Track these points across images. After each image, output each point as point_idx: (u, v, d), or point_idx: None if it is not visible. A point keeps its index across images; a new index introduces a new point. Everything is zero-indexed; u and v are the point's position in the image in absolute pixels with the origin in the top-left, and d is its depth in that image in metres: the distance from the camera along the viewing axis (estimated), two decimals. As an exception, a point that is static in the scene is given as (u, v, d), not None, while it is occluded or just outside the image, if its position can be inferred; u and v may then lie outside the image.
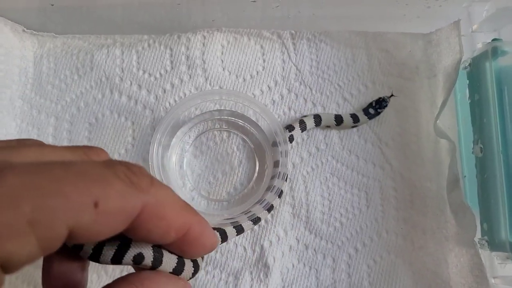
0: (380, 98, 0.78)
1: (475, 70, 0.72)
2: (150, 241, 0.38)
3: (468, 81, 0.74)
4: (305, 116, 0.77)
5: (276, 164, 0.72)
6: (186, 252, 0.40)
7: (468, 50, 0.75)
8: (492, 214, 0.67)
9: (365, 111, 0.78)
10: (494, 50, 0.68)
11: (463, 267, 0.72)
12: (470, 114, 0.73)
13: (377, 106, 0.77)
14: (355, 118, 0.77)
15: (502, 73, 0.69)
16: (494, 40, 0.69)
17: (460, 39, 0.74)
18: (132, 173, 0.33)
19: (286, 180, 0.73)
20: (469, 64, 0.73)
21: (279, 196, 0.71)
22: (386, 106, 0.77)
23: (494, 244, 0.66)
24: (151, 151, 0.70)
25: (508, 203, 0.64)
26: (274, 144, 0.72)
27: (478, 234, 0.70)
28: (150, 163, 0.69)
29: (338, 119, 0.76)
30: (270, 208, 0.70)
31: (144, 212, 0.33)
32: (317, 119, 0.76)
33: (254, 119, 0.75)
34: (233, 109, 0.76)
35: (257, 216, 0.68)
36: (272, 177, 0.73)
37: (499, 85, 0.68)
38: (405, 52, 0.82)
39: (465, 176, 0.75)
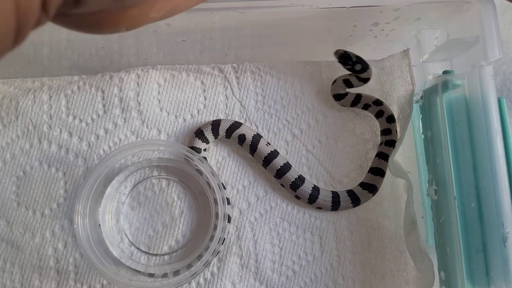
0: (341, 59, 0.67)
1: (427, 104, 0.66)
2: None
3: (421, 115, 0.69)
4: None
5: (216, 215, 0.67)
6: None
7: (420, 80, 0.69)
8: (449, 264, 0.62)
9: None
10: (444, 84, 0.62)
11: (423, 317, 0.67)
12: (424, 151, 0.68)
13: (351, 63, 0.66)
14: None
15: (454, 106, 0.63)
16: (445, 72, 0.64)
17: (411, 69, 0.69)
18: None
19: (229, 222, 0.69)
20: (421, 97, 0.67)
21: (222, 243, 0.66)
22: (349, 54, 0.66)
23: (452, 296, 0.61)
24: (77, 205, 0.64)
25: (465, 253, 0.59)
26: (215, 201, 0.66)
27: (437, 283, 0.65)
28: (75, 221, 0.63)
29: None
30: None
31: None
32: None
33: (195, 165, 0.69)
34: (172, 158, 0.70)
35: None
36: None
37: (451, 120, 0.63)
38: (358, 80, 0.76)
39: (422, 217, 0.70)
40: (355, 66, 0.67)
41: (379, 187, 0.70)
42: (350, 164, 0.74)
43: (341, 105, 0.74)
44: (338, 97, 0.72)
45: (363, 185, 0.71)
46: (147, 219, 0.71)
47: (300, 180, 0.69)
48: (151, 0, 0.31)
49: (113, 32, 0.31)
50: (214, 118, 0.74)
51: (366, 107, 0.72)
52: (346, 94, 0.72)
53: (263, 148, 0.70)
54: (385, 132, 0.72)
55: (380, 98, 0.73)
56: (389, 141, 0.71)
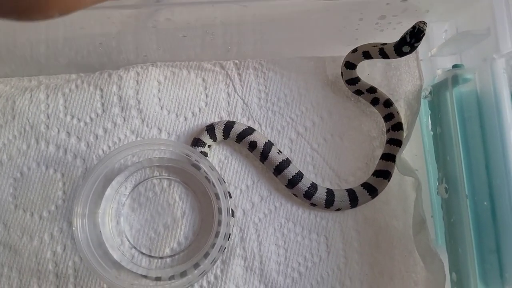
0: (414, 28, 0.57)
1: (436, 100, 0.64)
2: None
3: (430, 111, 0.66)
4: None
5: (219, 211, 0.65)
6: None
7: (428, 75, 0.67)
8: (461, 264, 0.60)
9: (397, 49, 0.59)
10: (454, 79, 0.60)
11: (434, 319, 0.65)
12: (434, 148, 0.66)
13: (413, 40, 0.57)
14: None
15: (464, 101, 0.61)
16: (454, 66, 0.61)
17: (419, 64, 0.67)
18: None
19: (233, 216, 0.68)
20: (430, 93, 0.65)
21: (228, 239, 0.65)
22: (423, 35, 0.57)
23: (464, 299, 0.59)
24: (76, 207, 0.62)
25: (478, 254, 0.57)
26: (217, 197, 0.65)
27: (448, 285, 0.63)
28: (74, 224, 0.61)
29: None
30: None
31: None
32: None
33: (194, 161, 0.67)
34: (173, 157, 0.68)
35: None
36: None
37: (462, 115, 0.61)
38: (363, 75, 0.74)
39: (432, 216, 0.68)
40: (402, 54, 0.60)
41: (392, 172, 0.68)
42: (356, 163, 0.72)
43: (341, 73, 0.70)
44: (348, 65, 0.68)
45: (376, 173, 0.69)
46: (148, 220, 0.68)
47: (313, 187, 0.67)
48: None
49: (45, 18, 0.28)
50: (218, 117, 0.72)
51: (358, 93, 0.70)
52: (354, 68, 0.67)
53: (275, 157, 0.68)
54: (388, 117, 0.69)
55: (387, 94, 0.71)
56: (395, 125, 0.69)
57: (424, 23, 0.56)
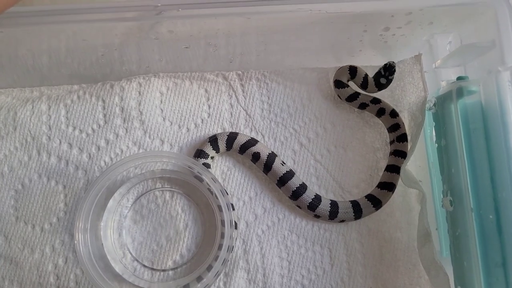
0: (386, 64, 0.66)
1: (440, 112, 0.64)
2: None
3: (434, 123, 0.66)
4: None
5: (222, 223, 0.64)
6: None
7: (433, 87, 0.67)
8: (466, 278, 0.59)
9: (377, 83, 0.67)
10: (459, 91, 0.60)
11: (439, 333, 0.64)
12: (438, 160, 0.65)
13: (387, 73, 0.66)
14: None
15: (469, 113, 0.61)
16: (459, 78, 0.61)
17: (423, 75, 0.66)
18: None
19: (236, 228, 0.67)
20: (434, 104, 0.65)
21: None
22: (394, 70, 0.66)
23: (470, 313, 0.58)
24: (77, 221, 0.61)
25: (483, 268, 0.56)
26: (220, 209, 0.64)
27: (453, 298, 0.62)
28: (76, 237, 0.61)
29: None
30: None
31: None
32: None
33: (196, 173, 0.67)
34: (175, 169, 0.68)
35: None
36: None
37: (467, 127, 0.60)
38: (367, 86, 0.74)
39: (436, 229, 0.67)
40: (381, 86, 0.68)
41: (396, 184, 0.68)
42: (360, 174, 0.72)
43: (337, 95, 0.71)
44: (339, 84, 0.70)
45: (381, 185, 0.68)
46: (150, 233, 0.68)
47: (317, 199, 0.67)
48: None
49: None
50: (220, 128, 0.72)
51: (363, 106, 0.70)
52: (347, 86, 0.69)
53: (278, 168, 0.67)
54: (393, 128, 0.69)
55: (391, 105, 0.71)
56: (400, 136, 0.68)
57: (393, 62, 0.66)
